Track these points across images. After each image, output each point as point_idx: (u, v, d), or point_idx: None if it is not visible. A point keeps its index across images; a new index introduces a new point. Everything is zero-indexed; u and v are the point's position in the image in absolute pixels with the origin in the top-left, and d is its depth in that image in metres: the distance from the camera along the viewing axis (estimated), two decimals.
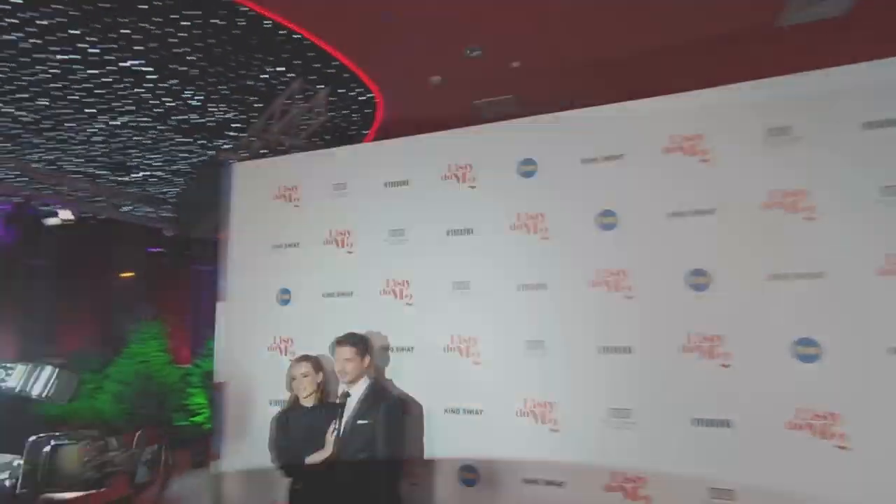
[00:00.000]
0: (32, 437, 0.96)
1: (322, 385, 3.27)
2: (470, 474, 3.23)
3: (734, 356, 2.76)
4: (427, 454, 3.28)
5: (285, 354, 3.69)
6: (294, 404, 3.22)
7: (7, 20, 4.87)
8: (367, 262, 3.60)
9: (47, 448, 1.00)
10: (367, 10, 4.81)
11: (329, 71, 5.99)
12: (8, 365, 1.03)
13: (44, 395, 1.03)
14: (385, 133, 7.38)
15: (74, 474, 0.96)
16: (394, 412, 3.03)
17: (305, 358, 3.26)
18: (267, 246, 3.90)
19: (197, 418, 9.43)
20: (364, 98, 6.74)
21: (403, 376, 3.40)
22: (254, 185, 4.09)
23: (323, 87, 5.50)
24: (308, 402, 3.20)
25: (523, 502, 3.07)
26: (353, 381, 3.05)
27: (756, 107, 2.89)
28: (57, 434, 1.03)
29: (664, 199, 2.98)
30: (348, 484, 2.89)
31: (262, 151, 5.50)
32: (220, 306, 4.00)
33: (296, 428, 3.11)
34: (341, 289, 3.64)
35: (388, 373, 3.45)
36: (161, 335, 10.10)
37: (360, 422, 2.95)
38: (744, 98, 2.93)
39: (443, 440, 3.27)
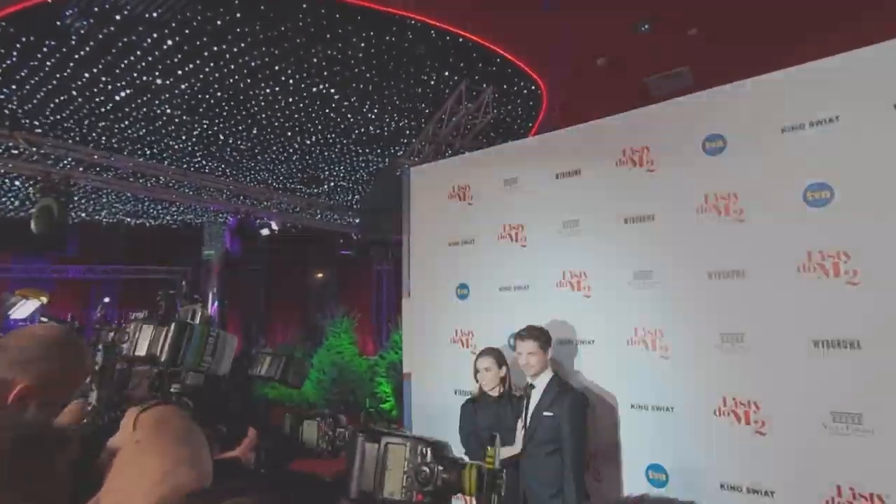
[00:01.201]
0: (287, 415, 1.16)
1: (506, 378, 3.32)
2: (658, 474, 3.05)
3: None
4: (612, 450, 3.17)
5: (466, 347, 3.85)
6: (481, 394, 3.34)
7: (229, 67, 5.82)
8: (541, 255, 3.59)
9: (293, 423, 1.18)
10: (526, 1, 4.82)
11: (491, 69, 6.12)
12: (258, 353, 1.24)
13: (288, 379, 1.22)
14: (550, 124, 7.31)
15: (312, 446, 1.12)
16: (578, 405, 2.98)
17: (489, 352, 3.30)
18: (444, 244, 4.10)
19: (385, 405, 10.29)
20: (527, 91, 6.76)
21: (585, 369, 3.33)
22: (429, 186, 4.34)
23: (486, 85, 5.62)
24: (493, 393, 3.29)
25: None
26: (536, 374, 3.08)
27: None
28: (299, 411, 1.21)
29: None
30: (536, 475, 2.92)
31: (434, 155, 5.81)
32: (405, 303, 4.31)
33: (483, 417, 3.23)
34: (517, 283, 3.68)
35: (570, 366, 3.41)
36: (351, 330, 11.22)
37: (545, 413, 2.96)
38: None
39: (629, 437, 3.14)
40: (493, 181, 3.90)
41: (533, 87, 6.71)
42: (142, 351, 0.92)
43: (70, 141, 7.22)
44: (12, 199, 10.02)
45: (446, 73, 6.22)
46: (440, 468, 0.88)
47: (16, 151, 6.93)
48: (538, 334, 3.07)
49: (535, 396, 3.05)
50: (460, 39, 5.57)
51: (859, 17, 4.44)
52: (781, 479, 2.62)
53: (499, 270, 3.78)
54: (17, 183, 8.99)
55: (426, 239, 4.25)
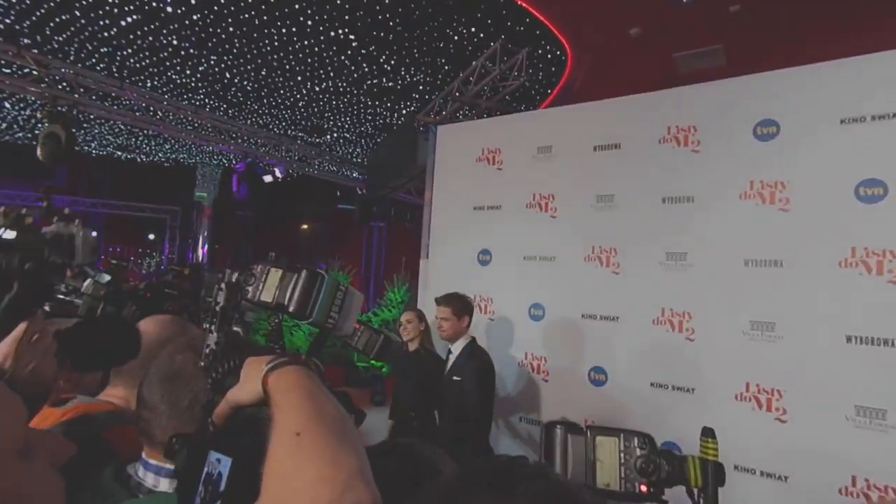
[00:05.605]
0: None
1: (424, 333, 3.37)
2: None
3: None
4: (631, 426, 3.22)
5: (485, 313, 3.83)
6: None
7: (246, 0, 5.51)
8: (571, 227, 3.54)
9: None
10: None
11: (519, 28, 5.89)
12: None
13: (385, 359, 1.18)
14: (568, 93, 7.14)
15: None
16: (481, 371, 3.01)
17: (412, 308, 3.52)
18: (468, 207, 4.03)
19: (374, 361, 10.35)
20: (551, 56, 6.55)
21: (606, 346, 3.34)
22: (456, 147, 4.22)
23: (510, 46, 5.41)
24: (412, 346, 3.34)
25: (735, 490, 2.87)
26: (450, 339, 3.15)
27: None
28: None
29: None
30: (447, 438, 2.98)
31: (453, 114, 5.66)
32: (423, 264, 4.26)
33: (399, 369, 3.44)
34: (543, 252, 3.64)
35: (587, 341, 3.42)
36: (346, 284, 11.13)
37: (454, 378, 3.04)
38: None
39: (646, 414, 3.17)
40: (526, 147, 3.80)
41: (558, 52, 6.50)
42: (268, 297, 0.83)
43: (78, 64, 6.86)
44: None
45: (473, 29, 5.98)
46: (663, 461, 0.87)
47: (8, 70, 6.57)
48: (454, 301, 3.14)
49: (450, 362, 3.14)
50: None
51: None
52: (797, 466, 2.69)
53: (525, 239, 3.73)
54: (6, 104, 8.58)
55: (450, 201, 4.17)
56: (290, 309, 0.83)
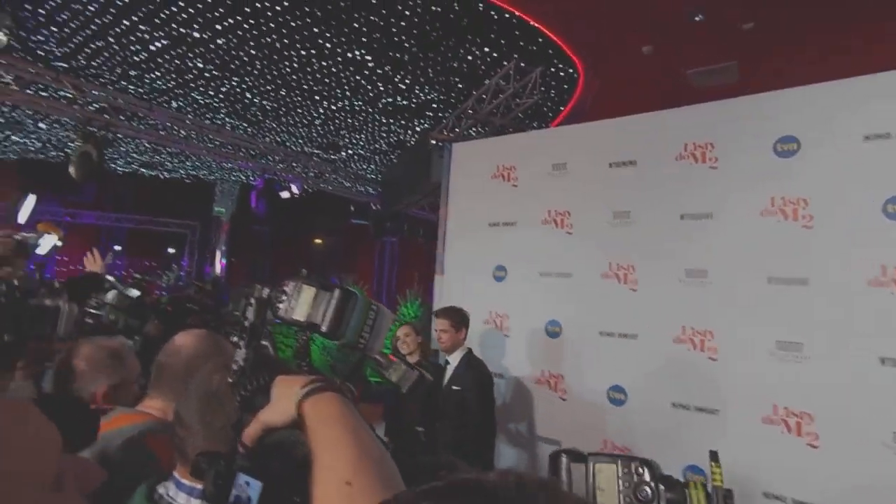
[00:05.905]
0: None
1: (422, 345, 3.51)
2: (697, 477, 3.02)
3: None
4: (651, 448, 3.14)
5: (500, 329, 3.80)
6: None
7: (269, 25, 5.65)
8: (587, 243, 3.52)
9: None
10: None
11: (532, 48, 5.94)
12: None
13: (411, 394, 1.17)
14: (580, 111, 7.15)
15: None
16: (481, 381, 3.12)
17: (408, 323, 3.64)
18: (483, 224, 4.02)
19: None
20: (563, 74, 6.58)
21: (625, 364, 3.29)
22: (472, 164, 4.23)
23: (524, 64, 5.45)
24: (412, 359, 3.35)
25: None
26: (448, 351, 3.26)
27: None
28: None
29: None
30: (446, 447, 3.00)
31: (466, 132, 5.69)
32: (438, 280, 4.25)
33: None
34: (559, 269, 3.61)
35: (605, 359, 3.37)
36: None
37: (453, 388, 3.11)
38: None
39: (669, 436, 3.10)
40: (541, 164, 3.80)
41: (570, 70, 6.54)
42: (301, 315, 0.81)
43: (109, 87, 7.09)
44: (34, 141, 9.90)
45: (486, 49, 6.05)
46: (662, 487, 0.84)
47: (45, 94, 6.80)
48: (452, 314, 3.27)
49: (448, 372, 3.23)
50: (506, 15, 5.39)
51: None
52: (832, 495, 2.58)
53: (540, 255, 3.71)
54: (41, 125, 8.86)
55: (465, 217, 4.17)
56: (323, 329, 0.81)
